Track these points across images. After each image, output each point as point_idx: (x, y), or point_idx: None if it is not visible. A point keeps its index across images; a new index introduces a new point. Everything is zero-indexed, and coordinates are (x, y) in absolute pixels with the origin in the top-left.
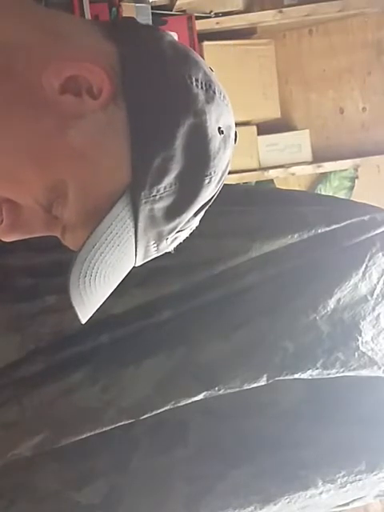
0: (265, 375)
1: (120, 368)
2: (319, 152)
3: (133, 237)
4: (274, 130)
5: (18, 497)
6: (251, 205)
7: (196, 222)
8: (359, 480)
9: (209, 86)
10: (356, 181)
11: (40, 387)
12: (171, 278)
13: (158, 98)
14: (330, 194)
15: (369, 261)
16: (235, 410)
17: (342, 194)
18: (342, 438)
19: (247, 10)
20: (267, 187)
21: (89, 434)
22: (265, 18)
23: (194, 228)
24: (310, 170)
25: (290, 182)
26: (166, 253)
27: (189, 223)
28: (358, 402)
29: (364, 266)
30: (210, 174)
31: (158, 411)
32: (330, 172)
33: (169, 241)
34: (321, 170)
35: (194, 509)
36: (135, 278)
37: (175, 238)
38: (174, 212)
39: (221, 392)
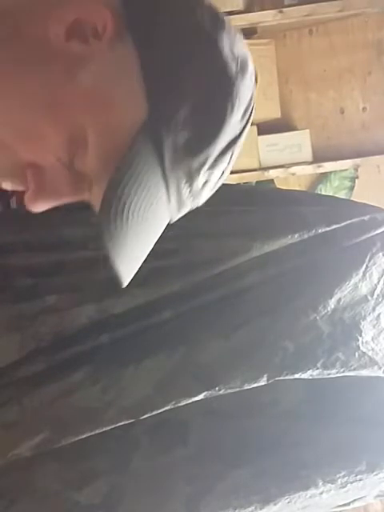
0: (265, 375)
1: (120, 368)
2: (319, 152)
3: (161, 174)
4: (274, 130)
5: (17, 497)
6: (251, 205)
7: (226, 161)
8: (360, 480)
9: (216, 15)
10: (356, 181)
11: (40, 387)
12: (171, 278)
13: (164, 26)
14: (330, 194)
15: (369, 261)
16: (235, 410)
17: (342, 194)
18: (342, 437)
19: (247, 9)
20: (267, 187)
21: (89, 434)
22: (265, 17)
23: (227, 171)
24: (310, 169)
25: (290, 182)
26: (167, 252)
27: (219, 160)
28: (359, 402)
29: (364, 265)
30: (232, 99)
31: (159, 411)
32: (330, 172)
33: (200, 181)
34: (321, 170)
35: (194, 509)
36: (135, 278)
37: (207, 181)
38: (199, 143)
39: (221, 392)
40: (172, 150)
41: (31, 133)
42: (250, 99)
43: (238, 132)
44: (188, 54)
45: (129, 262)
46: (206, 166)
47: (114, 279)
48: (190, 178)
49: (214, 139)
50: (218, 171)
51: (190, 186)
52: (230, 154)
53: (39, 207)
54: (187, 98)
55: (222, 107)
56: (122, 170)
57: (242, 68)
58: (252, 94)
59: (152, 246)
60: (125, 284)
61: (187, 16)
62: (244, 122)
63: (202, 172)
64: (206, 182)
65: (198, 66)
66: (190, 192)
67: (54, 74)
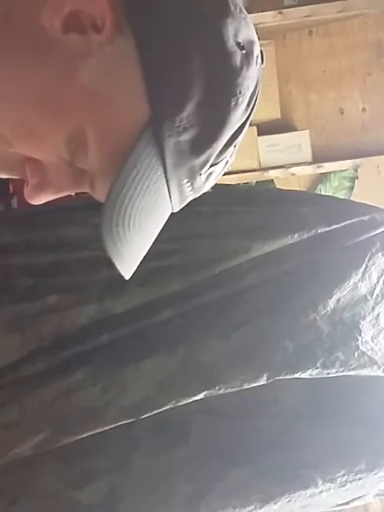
0: (265, 375)
1: (120, 368)
2: (319, 152)
3: (163, 176)
4: (274, 131)
5: (18, 496)
6: (251, 205)
7: (229, 153)
8: (359, 479)
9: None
10: (356, 181)
11: (41, 387)
12: (172, 278)
13: (165, 20)
14: (330, 194)
15: (369, 261)
16: (236, 410)
17: (342, 194)
18: (342, 437)
19: (247, 10)
20: (267, 187)
21: (89, 434)
22: (265, 18)
23: (230, 161)
24: (310, 170)
25: (291, 183)
26: (167, 252)
27: (221, 155)
28: (358, 401)
29: (364, 265)
30: (236, 94)
31: (159, 411)
32: (330, 172)
33: (203, 177)
34: (321, 171)
35: (194, 508)
36: (136, 278)
37: (210, 174)
38: (202, 143)
39: (221, 392)
40: (174, 152)
41: (29, 129)
42: (256, 86)
43: (241, 123)
44: (190, 47)
45: (130, 257)
46: (209, 164)
47: (117, 276)
48: (193, 176)
49: (217, 137)
50: (221, 165)
51: (192, 184)
52: (234, 145)
53: (40, 201)
54: (189, 94)
55: (226, 103)
56: (124, 176)
57: (248, 56)
58: (258, 79)
59: (154, 238)
60: (127, 278)
61: (190, 5)
62: (248, 111)
63: (204, 170)
64: (208, 176)
65: (200, 60)
66: (192, 189)
67: (51, 68)
